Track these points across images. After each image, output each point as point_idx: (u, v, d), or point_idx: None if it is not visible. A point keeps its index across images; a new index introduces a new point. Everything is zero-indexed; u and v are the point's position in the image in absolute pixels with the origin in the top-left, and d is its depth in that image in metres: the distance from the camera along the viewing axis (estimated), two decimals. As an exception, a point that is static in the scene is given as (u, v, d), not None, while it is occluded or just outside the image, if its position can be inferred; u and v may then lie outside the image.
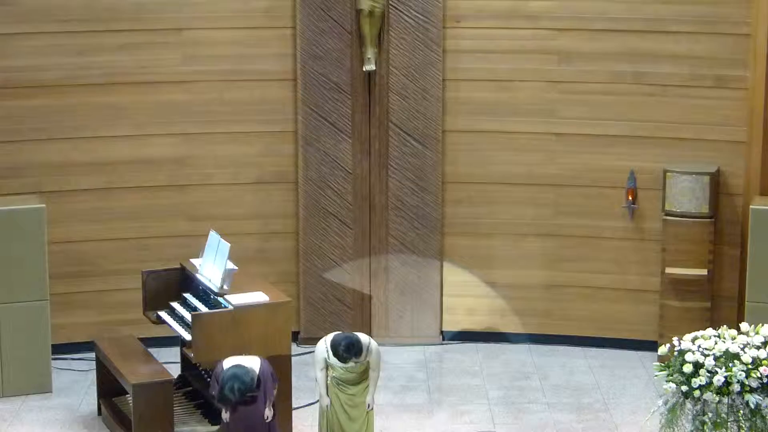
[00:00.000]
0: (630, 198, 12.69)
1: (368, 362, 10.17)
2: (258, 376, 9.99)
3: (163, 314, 11.37)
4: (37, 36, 12.35)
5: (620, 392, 11.97)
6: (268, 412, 10.03)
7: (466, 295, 13.22)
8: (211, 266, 11.09)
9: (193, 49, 12.70)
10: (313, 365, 10.35)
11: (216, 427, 10.88)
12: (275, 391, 10.21)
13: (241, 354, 10.17)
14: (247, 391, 9.82)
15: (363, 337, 10.14)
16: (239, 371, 9.79)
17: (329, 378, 10.23)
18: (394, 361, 12.51)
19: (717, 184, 12.39)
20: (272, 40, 12.79)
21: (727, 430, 10.01)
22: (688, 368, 9.85)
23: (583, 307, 13.04)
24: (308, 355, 12.18)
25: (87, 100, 12.54)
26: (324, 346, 10.14)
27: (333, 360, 10.10)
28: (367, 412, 10.36)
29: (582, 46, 12.66)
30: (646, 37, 12.52)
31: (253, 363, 10.01)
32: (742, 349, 9.90)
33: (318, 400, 10.61)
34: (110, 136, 12.64)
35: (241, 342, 10.59)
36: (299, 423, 11.10)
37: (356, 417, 10.30)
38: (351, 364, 10.08)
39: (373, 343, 10.18)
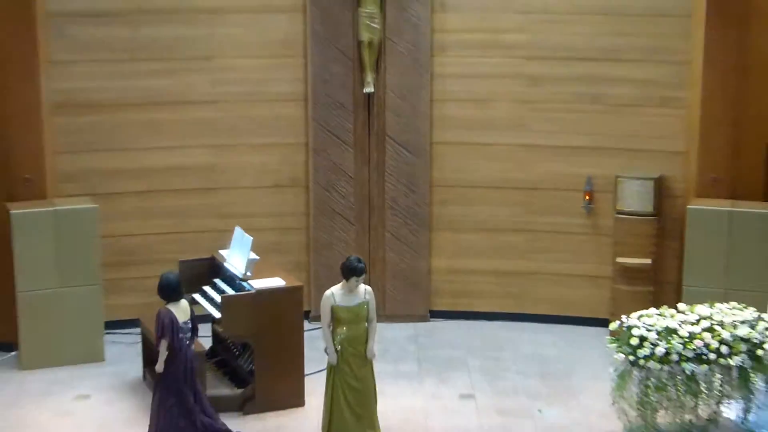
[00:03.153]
0: (587, 199, 12.82)
1: (367, 306, 10.01)
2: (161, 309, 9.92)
3: (197, 296, 11.48)
4: (91, 63, 12.44)
5: (579, 362, 12.08)
6: (157, 366, 9.90)
7: (450, 281, 13.32)
8: (237, 256, 11.26)
9: (220, 75, 12.79)
10: (322, 320, 10.10)
11: (241, 390, 10.95)
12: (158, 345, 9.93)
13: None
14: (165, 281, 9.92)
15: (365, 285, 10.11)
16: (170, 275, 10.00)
17: (338, 340, 10.02)
18: (389, 335, 12.54)
19: (660, 187, 12.51)
20: (287, 67, 12.86)
21: (666, 392, 10.18)
22: (634, 341, 10.09)
23: (548, 291, 13.18)
24: (318, 330, 11.84)
25: (132, 117, 12.64)
26: (329, 292, 10.00)
27: (339, 298, 9.97)
28: (370, 367, 10.17)
29: (548, 72, 12.76)
30: (601, 64, 12.59)
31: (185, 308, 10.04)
32: (680, 326, 10.16)
33: (325, 368, 10.35)
34: (151, 147, 12.73)
35: (261, 319, 10.71)
36: (310, 387, 11.05)
37: (361, 384, 10.12)
38: (356, 282, 9.88)
39: (370, 289, 10.11)
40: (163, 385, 9.96)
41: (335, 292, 9.99)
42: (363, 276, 9.92)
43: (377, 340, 10.32)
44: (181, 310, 9.98)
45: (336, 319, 9.98)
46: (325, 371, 10.26)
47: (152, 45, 12.59)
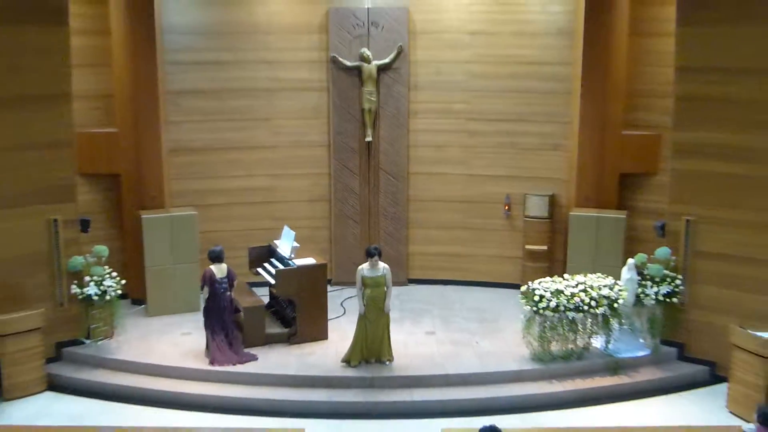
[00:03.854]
0: (506, 209, 12.78)
1: (385, 277, 9.96)
2: (227, 270, 10.21)
3: (260, 270, 11.52)
4: (193, 123, 12.38)
5: (503, 311, 11.98)
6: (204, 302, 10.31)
7: (420, 260, 13.22)
8: (285, 244, 11.30)
9: (275, 129, 12.70)
10: (356, 285, 10.05)
11: (287, 329, 10.90)
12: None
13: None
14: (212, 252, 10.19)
15: (383, 262, 10.04)
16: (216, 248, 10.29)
17: (365, 298, 10.01)
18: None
19: (553, 201, 12.51)
20: (317, 125, 12.78)
21: (557, 330, 10.29)
22: (536, 298, 10.19)
23: (483, 266, 13.05)
24: (337, 292, 12.32)
25: (219, 157, 12.57)
26: (360, 267, 9.99)
27: (366, 271, 9.92)
28: (386, 318, 10.10)
29: (481, 128, 12.70)
30: (515, 123, 12.56)
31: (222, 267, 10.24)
32: (565, 288, 10.26)
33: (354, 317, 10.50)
34: (231, 175, 12.66)
35: (301, 284, 10.71)
36: (331, 327, 11.10)
37: (380, 328, 10.16)
38: (375, 261, 9.83)
39: (387, 266, 10.08)
40: (206, 314, 10.30)
41: (364, 266, 10.02)
42: (375, 257, 9.94)
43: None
44: (219, 270, 10.20)
45: (364, 284, 10.01)
46: (357, 317, 10.21)
47: (232, 110, 12.56)
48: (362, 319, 10.11)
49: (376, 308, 10.07)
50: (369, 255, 9.97)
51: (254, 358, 10.38)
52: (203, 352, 10.52)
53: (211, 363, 10.20)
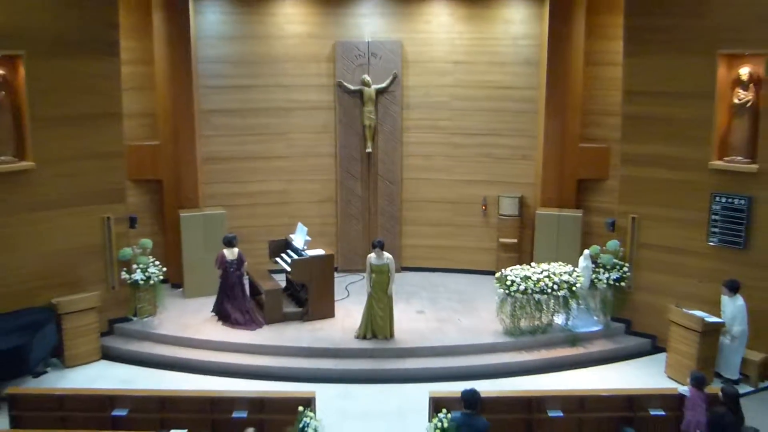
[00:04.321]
0: (483, 208, 12.70)
1: (388, 265, 9.96)
2: (238, 254, 10.41)
3: (278, 259, 11.49)
4: (222, 137, 12.33)
5: (480, 293, 11.90)
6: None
7: (412, 251, 13.11)
8: (299, 238, 11.30)
9: (291, 142, 12.59)
10: (366, 271, 10.07)
11: (301, 309, 10.87)
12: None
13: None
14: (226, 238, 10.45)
15: (387, 253, 10.01)
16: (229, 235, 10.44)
17: (371, 281, 10.03)
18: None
19: (522, 202, 12.46)
20: (326, 139, 12.67)
21: (525, 310, 10.32)
22: (508, 282, 10.20)
23: (464, 256, 12.91)
24: (342, 278, 12.27)
25: (243, 165, 12.45)
26: (369, 256, 10.00)
27: (373, 259, 9.93)
28: (388, 299, 10.05)
29: (463, 141, 12.62)
30: (491, 137, 12.50)
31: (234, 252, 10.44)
32: (532, 274, 10.28)
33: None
34: (253, 180, 12.52)
35: (313, 271, 10.71)
36: (338, 307, 11.09)
37: (382, 308, 10.14)
38: (379, 251, 9.86)
39: (390, 256, 10.06)
40: (220, 288, 10.47)
41: (371, 256, 10.05)
42: (377, 248, 9.95)
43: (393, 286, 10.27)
44: (231, 253, 10.35)
45: (371, 270, 10.02)
46: (361, 299, 10.33)
47: (254, 127, 12.50)
48: (370, 298, 10.13)
49: (380, 290, 10.10)
50: (373, 247, 10.01)
51: (256, 327, 10.41)
52: (227, 326, 10.58)
53: (222, 323, 10.42)
